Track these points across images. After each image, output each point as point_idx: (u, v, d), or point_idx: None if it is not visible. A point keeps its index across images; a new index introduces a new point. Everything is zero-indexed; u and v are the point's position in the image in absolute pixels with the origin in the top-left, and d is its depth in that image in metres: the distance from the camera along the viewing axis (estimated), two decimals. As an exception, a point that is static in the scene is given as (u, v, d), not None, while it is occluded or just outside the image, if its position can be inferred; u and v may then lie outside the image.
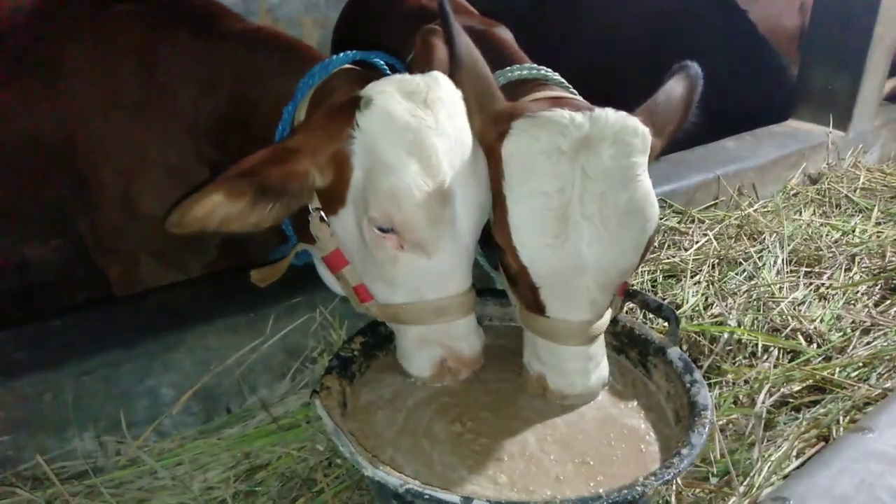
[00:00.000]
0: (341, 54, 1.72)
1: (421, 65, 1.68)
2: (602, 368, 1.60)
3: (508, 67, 1.84)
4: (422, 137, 1.40)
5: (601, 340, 1.59)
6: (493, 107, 1.55)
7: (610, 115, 1.44)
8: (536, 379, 1.60)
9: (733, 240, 2.74)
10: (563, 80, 1.85)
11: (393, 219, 1.42)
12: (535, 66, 1.86)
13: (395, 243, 1.45)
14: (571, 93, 1.80)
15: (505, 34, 2.14)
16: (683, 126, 1.64)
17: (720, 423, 1.80)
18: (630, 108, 1.56)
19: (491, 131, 1.52)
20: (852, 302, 2.38)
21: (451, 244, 1.46)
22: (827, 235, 2.83)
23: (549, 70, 1.87)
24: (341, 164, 1.46)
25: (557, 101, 1.60)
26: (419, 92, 1.43)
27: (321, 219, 1.54)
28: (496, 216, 1.52)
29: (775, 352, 2.06)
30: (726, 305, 2.27)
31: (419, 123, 1.40)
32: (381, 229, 1.45)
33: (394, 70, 1.87)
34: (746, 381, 1.94)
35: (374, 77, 1.52)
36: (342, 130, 1.44)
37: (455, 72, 1.55)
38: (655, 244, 2.66)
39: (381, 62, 1.82)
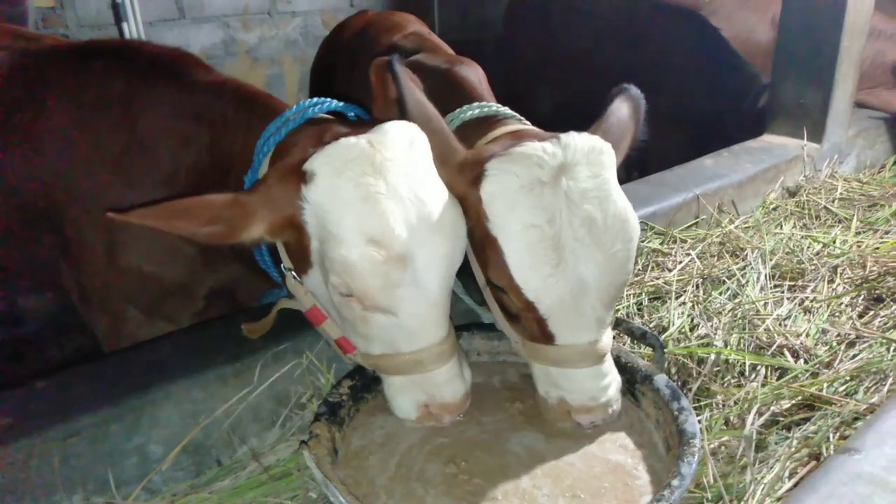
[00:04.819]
0: (306, 106, 1.71)
1: (379, 102, 1.70)
2: (616, 378, 1.62)
3: (460, 108, 1.87)
4: (370, 206, 1.38)
5: (609, 355, 1.61)
6: (454, 158, 1.57)
7: (577, 138, 1.50)
8: (559, 404, 1.61)
9: (716, 258, 2.76)
10: (515, 113, 1.89)
11: (350, 287, 1.42)
12: (488, 103, 1.90)
13: (360, 305, 1.45)
14: (524, 124, 1.84)
15: (465, 71, 2.17)
16: (635, 143, 1.70)
17: (712, 445, 1.80)
18: (584, 128, 1.62)
19: (459, 180, 1.54)
20: (836, 314, 2.39)
21: (417, 301, 1.45)
22: (808, 248, 2.85)
23: (500, 106, 1.91)
24: (298, 230, 1.47)
25: (517, 135, 1.65)
26: (365, 157, 1.41)
27: (294, 278, 1.56)
28: (489, 258, 1.54)
29: (763, 370, 2.07)
30: (712, 326, 2.28)
31: (367, 191, 1.38)
32: (343, 294, 1.45)
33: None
34: (736, 402, 1.95)
35: (338, 132, 1.53)
36: (293, 198, 1.43)
37: None
38: (639, 266, 2.69)
39: (352, 115, 1.81)
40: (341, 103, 1.76)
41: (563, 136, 1.50)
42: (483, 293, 1.69)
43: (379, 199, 1.38)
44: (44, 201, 2.12)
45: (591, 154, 1.48)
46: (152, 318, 2.16)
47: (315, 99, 1.74)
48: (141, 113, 2.01)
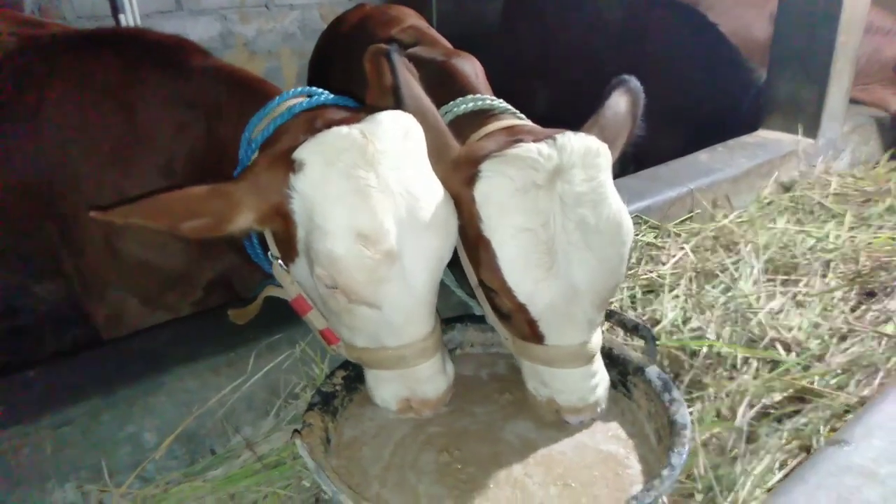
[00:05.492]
0: (292, 95, 1.68)
1: (373, 90, 1.68)
2: (605, 377, 1.62)
3: (454, 101, 1.85)
4: (360, 199, 1.35)
5: (598, 355, 1.61)
6: (449, 155, 1.56)
7: (573, 139, 1.47)
8: (547, 403, 1.61)
9: (710, 252, 2.77)
10: (509, 106, 1.86)
11: (335, 281, 1.39)
12: (482, 97, 1.87)
13: (344, 298, 1.43)
14: (519, 118, 1.81)
15: (462, 64, 2.15)
16: (632, 139, 1.67)
17: (703, 437, 1.81)
18: (580, 122, 1.59)
19: (453, 178, 1.52)
20: (829, 308, 2.40)
21: (403, 297, 1.43)
22: (802, 242, 2.86)
23: (495, 98, 1.88)
24: (285, 219, 1.44)
25: (511, 131, 1.63)
26: (357, 147, 1.37)
27: (280, 266, 1.55)
28: (481, 259, 1.53)
29: (755, 363, 2.08)
30: (705, 319, 2.29)
31: (357, 184, 1.35)
32: (328, 286, 1.43)
33: None
34: (728, 394, 1.96)
35: (331, 119, 1.51)
36: (281, 187, 1.40)
37: None
38: (633, 259, 2.69)
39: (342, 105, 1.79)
40: (332, 96, 1.73)
41: (558, 136, 1.47)
42: (475, 291, 1.69)
43: (369, 193, 1.35)
44: (45, 188, 2.12)
45: (587, 156, 1.46)
46: (152, 308, 2.16)
47: (304, 88, 1.72)
48: (139, 100, 2.00)
